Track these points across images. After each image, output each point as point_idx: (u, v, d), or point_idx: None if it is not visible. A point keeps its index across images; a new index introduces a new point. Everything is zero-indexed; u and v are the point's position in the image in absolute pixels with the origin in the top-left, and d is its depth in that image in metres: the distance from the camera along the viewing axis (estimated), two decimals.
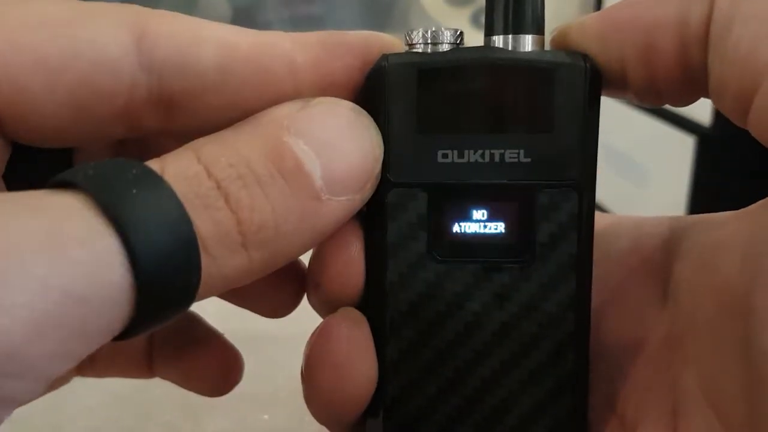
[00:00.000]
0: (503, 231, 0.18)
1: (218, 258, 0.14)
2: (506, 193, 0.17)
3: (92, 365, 0.22)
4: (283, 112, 0.16)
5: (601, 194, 0.40)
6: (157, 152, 0.16)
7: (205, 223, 0.14)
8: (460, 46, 0.18)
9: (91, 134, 0.16)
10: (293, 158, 0.15)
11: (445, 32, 0.18)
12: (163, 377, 0.22)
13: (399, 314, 0.18)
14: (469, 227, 0.18)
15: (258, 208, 0.15)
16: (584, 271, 0.17)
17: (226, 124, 0.16)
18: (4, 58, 0.15)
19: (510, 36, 0.18)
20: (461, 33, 0.18)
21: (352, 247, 0.18)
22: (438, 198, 0.17)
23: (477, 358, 0.18)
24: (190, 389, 0.22)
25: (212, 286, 0.15)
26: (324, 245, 0.18)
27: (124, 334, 0.14)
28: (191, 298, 0.14)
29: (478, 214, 0.18)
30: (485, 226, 0.18)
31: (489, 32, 0.18)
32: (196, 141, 0.16)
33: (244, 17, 0.51)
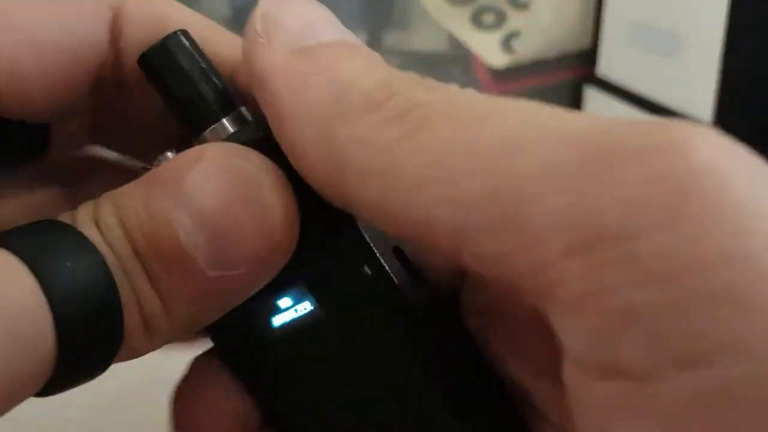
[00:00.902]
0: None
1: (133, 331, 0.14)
2: None
3: None
4: (170, 172, 0.14)
5: None
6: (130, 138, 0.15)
7: (123, 293, 0.14)
8: None
9: (70, 107, 0.16)
10: (170, 237, 0.13)
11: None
12: None
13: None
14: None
15: (145, 296, 0.14)
16: None
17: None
18: None
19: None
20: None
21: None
22: None
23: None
24: None
25: (133, 348, 0.14)
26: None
27: (46, 389, 0.13)
28: (114, 350, 0.14)
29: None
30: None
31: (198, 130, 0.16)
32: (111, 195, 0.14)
33: (244, 17, 0.51)
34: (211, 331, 0.17)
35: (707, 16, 0.50)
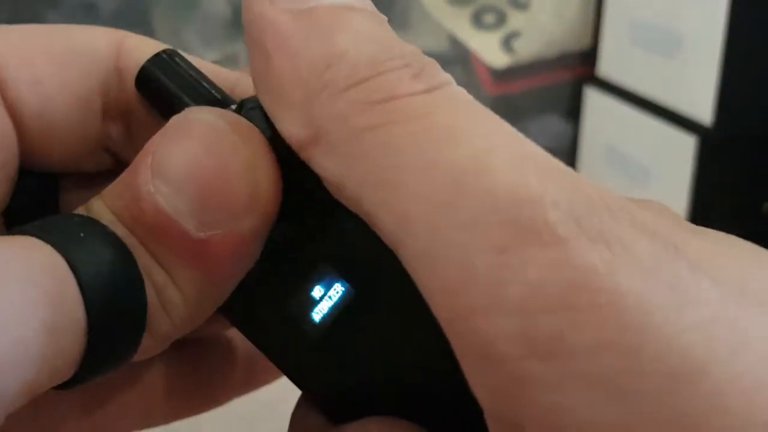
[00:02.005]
0: None
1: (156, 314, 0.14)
2: None
3: None
4: (145, 149, 0.14)
5: None
6: None
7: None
8: None
9: (87, 147, 0.17)
10: (152, 207, 0.14)
11: None
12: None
13: None
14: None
15: (151, 271, 0.14)
16: None
17: None
18: (29, 67, 0.15)
19: None
20: None
21: None
22: None
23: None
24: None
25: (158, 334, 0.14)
26: None
27: (75, 379, 0.14)
28: (139, 334, 0.14)
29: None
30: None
31: None
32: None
33: None
34: (256, 343, 0.17)
35: (707, 16, 0.50)
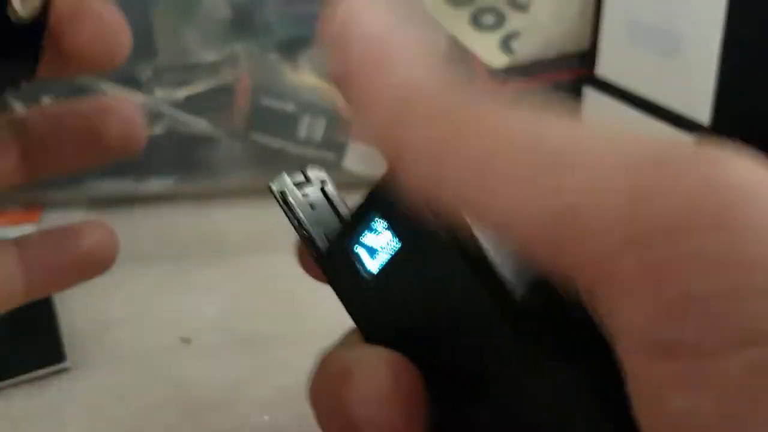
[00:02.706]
0: None
1: None
2: None
3: None
4: None
5: None
6: None
7: None
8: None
9: None
10: None
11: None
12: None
13: None
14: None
15: None
16: None
17: None
18: None
19: None
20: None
21: None
22: None
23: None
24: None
25: None
26: None
27: None
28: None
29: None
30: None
31: None
32: None
33: (243, 16, 0.51)
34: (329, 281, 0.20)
35: (706, 17, 0.50)
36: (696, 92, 0.52)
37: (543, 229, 0.13)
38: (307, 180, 0.22)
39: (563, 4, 0.59)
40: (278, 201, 0.21)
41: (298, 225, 0.21)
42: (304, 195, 0.21)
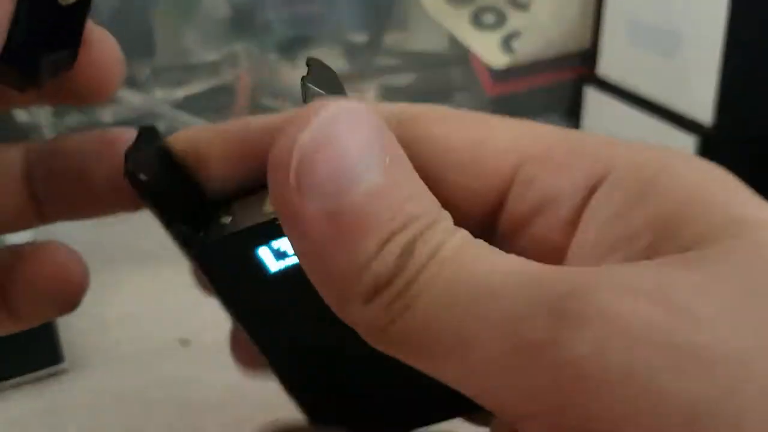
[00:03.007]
0: None
1: None
2: None
3: None
4: None
5: None
6: None
7: None
8: None
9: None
10: None
11: None
12: None
13: None
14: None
15: None
16: None
17: None
18: None
19: None
20: None
21: None
22: None
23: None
24: None
25: None
26: None
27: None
28: None
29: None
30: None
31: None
32: None
33: (243, 16, 0.51)
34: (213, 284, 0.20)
35: (707, 16, 0.50)
36: (697, 92, 0.52)
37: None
38: None
39: (564, 4, 0.59)
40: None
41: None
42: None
